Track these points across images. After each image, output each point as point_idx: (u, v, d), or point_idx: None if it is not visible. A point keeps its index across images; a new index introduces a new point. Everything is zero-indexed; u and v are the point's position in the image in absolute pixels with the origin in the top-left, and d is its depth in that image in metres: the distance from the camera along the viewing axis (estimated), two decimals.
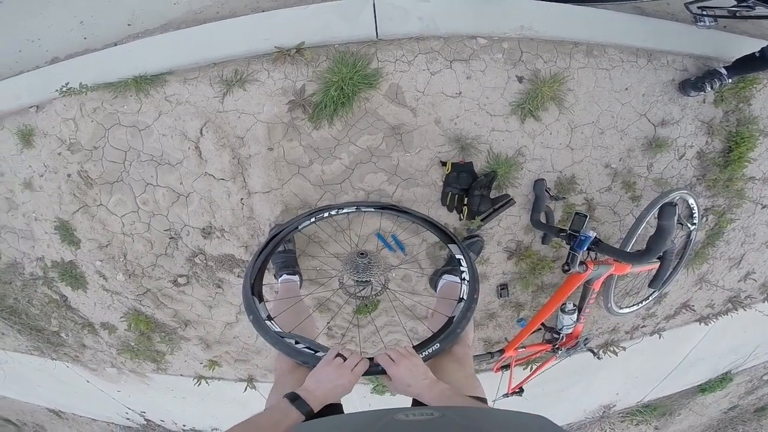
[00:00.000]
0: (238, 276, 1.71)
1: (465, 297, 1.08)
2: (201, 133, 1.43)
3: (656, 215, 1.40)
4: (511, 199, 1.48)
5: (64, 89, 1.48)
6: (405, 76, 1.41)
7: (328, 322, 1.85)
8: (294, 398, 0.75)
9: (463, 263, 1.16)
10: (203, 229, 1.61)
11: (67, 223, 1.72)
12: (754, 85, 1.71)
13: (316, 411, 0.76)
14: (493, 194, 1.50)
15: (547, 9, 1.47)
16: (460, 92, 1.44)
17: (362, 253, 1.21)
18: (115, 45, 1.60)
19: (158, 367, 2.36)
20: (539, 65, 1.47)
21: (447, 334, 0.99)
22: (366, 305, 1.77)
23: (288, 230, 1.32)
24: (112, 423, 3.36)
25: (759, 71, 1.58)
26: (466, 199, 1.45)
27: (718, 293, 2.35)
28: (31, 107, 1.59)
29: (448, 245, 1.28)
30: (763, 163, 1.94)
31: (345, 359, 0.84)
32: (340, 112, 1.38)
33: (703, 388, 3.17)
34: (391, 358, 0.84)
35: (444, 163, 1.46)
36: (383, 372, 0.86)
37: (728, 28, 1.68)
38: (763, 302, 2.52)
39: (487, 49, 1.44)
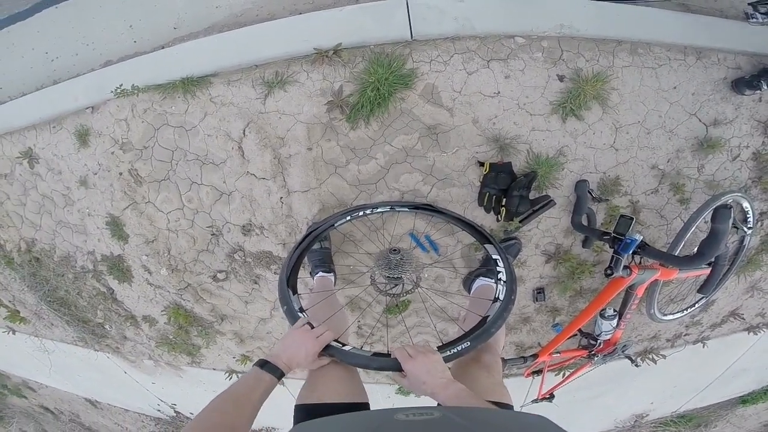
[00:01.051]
0: (274, 273, 1.76)
1: (501, 297, 1.05)
2: (244, 133, 1.49)
3: (708, 218, 1.34)
4: (552, 200, 1.44)
5: (118, 90, 1.58)
6: (441, 76, 1.40)
7: (358, 320, 1.86)
8: (263, 364, 0.80)
9: (500, 264, 1.13)
10: (243, 226, 1.66)
11: (117, 219, 1.84)
12: None
13: (286, 373, 0.82)
14: (532, 195, 1.46)
15: (586, 7, 1.42)
16: (499, 92, 1.41)
17: (395, 250, 1.21)
18: (163, 48, 1.69)
19: (193, 360, 2.47)
20: (581, 64, 1.42)
21: (479, 333, 0.95)
22: (396, 304, 1.77)
23: (324, 227, 1.34)
24: (144, 414, 3.53)
25: None
26: (504, 200, 1.42)
27: None
28: (87, 108, 1.71)
29: (484, 245, 1.25)
30: None
31: (312, 327, 0.87)
32: (376, 112, 1.39)
33: (745, 400, 2.98)
34: (408, 353, 0.83)
35: (482, 164, 1.44)
36: (399, 368, 0.84)
37: None
38: None
39: (525, 48, 1.41)
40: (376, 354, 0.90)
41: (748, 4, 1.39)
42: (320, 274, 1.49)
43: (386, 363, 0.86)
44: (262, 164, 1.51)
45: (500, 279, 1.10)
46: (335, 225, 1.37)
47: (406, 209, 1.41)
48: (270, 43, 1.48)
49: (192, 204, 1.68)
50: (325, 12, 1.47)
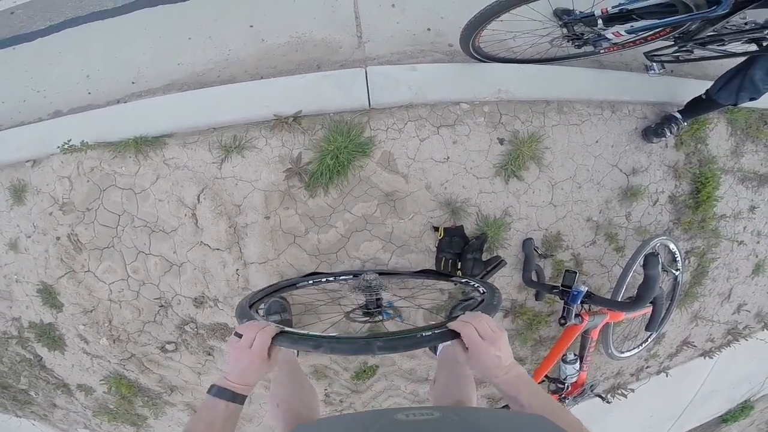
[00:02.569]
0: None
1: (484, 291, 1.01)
2: (198, 199, 1.43)
3: (641, 264, 1.50)
4: (503, 260, 1.52)
5: (66, 146, 1.46)
6: (396, 144, 1.47)
7: (326, 389, 1.78)
8: (211, 389, 0.71)
9: (472, 281, 1.14)
10: (195, 298, 1.56)
11: (50, 287, 1.66)
12: (707, 126, 1.85)
13: (245, 393, 0.71)
14: (485, 256, 1.53)
15: (518, 70, 1.59)
16: (448, 157, 1.50)
17: (368, 272, 1.20)
18: (118, 102, 1.62)
19: (138, 430, 2.24)
20: (517, 126, 1.56)
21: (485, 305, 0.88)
22: (364, 370, 1.71)
23: (284, 285, 1.30)
24: None
25: (708, 112, 1.71)
26: (459, 263, 1.47)
27: (715, 327, 2.41)
28: (28, 161, 1.57)
29: (452, 279, 1.28)
30: (730, 200, 2.06)
31: (240, 337, 0.72)
32: (335, 180, 1.41)
33: (725, 419, 3.16)
34: (480, 335, 0.68)
35: (436, 228, 1.49)
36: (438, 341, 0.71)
37: (674, 72, 1.84)
38: (763, 330, 2.58)
39: (470, 114, 1.53)
40: (370, 337, 0.74)
41: (645, 53, 1.60)
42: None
43: (433, 338, 0.72)
44: (217, 233, 1.46)
45: (478, 288, 1.07)
46: (297, 285, 1.35)
47: (374, 276, 1.37)
48: (230, 107, 1.47)
49: (138, 275, 1.56)
50: (287, 78, 1.51)
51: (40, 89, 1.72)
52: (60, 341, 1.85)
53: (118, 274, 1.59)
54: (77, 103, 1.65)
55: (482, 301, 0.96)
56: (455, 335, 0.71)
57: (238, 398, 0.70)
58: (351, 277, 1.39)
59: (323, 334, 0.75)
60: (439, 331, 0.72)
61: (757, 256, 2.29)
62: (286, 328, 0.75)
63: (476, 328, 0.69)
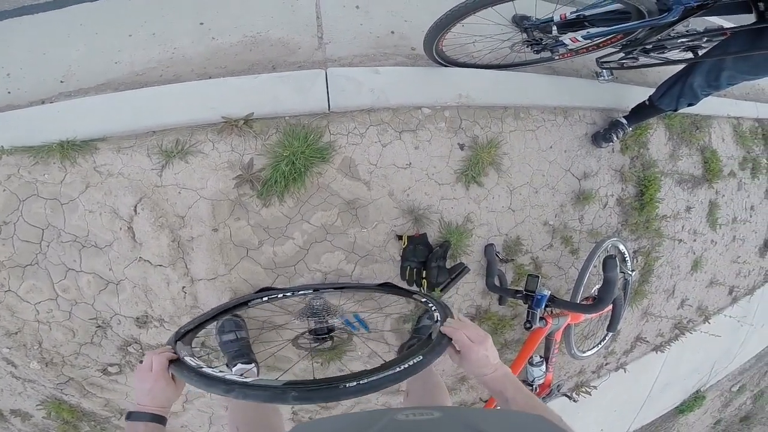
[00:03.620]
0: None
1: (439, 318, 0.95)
2: (135, 210, 1.27)
3: (599, 267, 1.52)
4: (466, 267, 1.49)
5: None
6: (358, 149, 1.38)
7: (292, 408, 1.64)
8: (129, 415, 0.73)
9: (430, 302, 1.08)
10: (138, 318, 1.39)
11: None
12: (648, 131, 1.94)
13: (160, 413, 0.73)
14: (448, 264, 1.49)
15: (478, 75, 1.57)
16: (410, 163, 1.45)
17: (316, 298, 1.11)
18: (43, 102, 1.40)
19: None
20: (477, 131, 1.54)
21: (432, 346, 0.82)
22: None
23: (236, 302, 1.18)
24: None
25: (651, 117, 1.79)
26: (424, 271, 1.43)
27: (663, 323, 2.53)
28: None
29: (413, 297, 1.20)
30: (670, 201, 2.17)
31: (141, 363, 0.77)
32: (291, 187, 1.30)
33: (681, 410, 3.32)
34: (470, 339, 0.75)
35: (400, 237, 1.43)
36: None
37: (619, 79, 1.89)
38: (704, 323, 2.75)
39: (431, 119, 1.48)
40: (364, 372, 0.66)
41: (596, 59, 1.62)
42: (240, 366, 1.29)
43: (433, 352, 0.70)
44: (158, 248, 1.29)
45: (432, 308, 1.02)
46: (249, 303, 1.22)
47: (331, 289, 1.31)
48: (172, 108, 1.31)
49: (68, 294, 1.36)
50: (238, 79, 1.37)
51: None
52: None
53: (44, 293, 1.37)
54: None
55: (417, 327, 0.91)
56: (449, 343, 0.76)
57: (156, 418, 0.72)
58: (311, 291, 1.28)
59: (229, 377, 0.67)
60: (440, 344, 0.73)
61: (694, 253, 2.45)
62: (185, 358, 0.74)
63: (466, 333, 0.76)
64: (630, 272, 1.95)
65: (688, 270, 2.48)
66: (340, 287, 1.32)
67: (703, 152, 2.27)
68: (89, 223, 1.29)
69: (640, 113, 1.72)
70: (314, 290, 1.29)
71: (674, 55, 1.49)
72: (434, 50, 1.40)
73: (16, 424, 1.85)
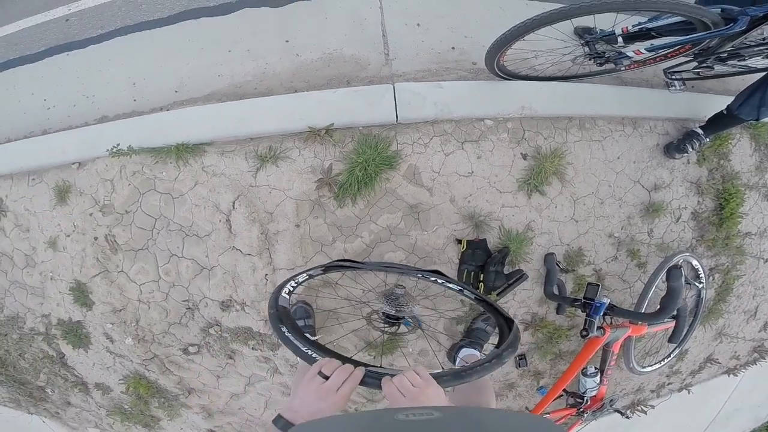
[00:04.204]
0: (252, 348, 1.77)
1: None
2: (233, 206, 1.57)
3: (664, 278, 1.60)
4: (525, 274, 1.62)
5: (114, 150, 1.61)
6: (422, 158, 1.59)
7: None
8: (278, 421, 0.71)
9: (482, 303, 1.19)
10: (223, 302, 1.68)
11: (83, 286, 1.80)
12: (729, 141, 1.93)
13: None
14: (506, 270, 1.63)
15: (541, 89, 1.71)
16: (472, 171, 1.63)
17: (400, 285, 1.27)
18: (161, 110, 1.79)
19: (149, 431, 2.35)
20: (540, 142, 1.67)
21: (485, 362, 0.92)
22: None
23: (328, 265, 1.37)
24: None
25: (730, 127, 1.79)
26: (481, 275, 1.58)
27: (740, 345, 2.46)
28: (74, 164, 1.73)
29: (464, 292, 1.29)
30: (755, 216, 2.12)
31: (327, 378, 0.73)
32: (363, 191, 1.54)
33: None
34: (401, 393, 0.72)
35: (459, 241, 1.60)
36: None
37: (696, 88, 1.91)
38: None
39: (493, 130, 1.65)
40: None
41: (663, 71, 1.69)
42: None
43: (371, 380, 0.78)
44: (249, 239, 1.58)
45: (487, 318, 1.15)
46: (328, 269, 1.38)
47: (420, 275, 1.42)
48: (267, 118, 1.61)
49: (169, 277, 1.69)
50: (320, 93, 1.66)
51: (89, 95, 1.92)
52: (85, 339, 1.99)
53: (150, 275, 1.73)
54: (123, 109, 1.83)
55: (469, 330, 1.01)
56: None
57: None
58: (382, 269, 1.45)
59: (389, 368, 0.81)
60: (376, 378, 0.78)
61: None
62: (371, 368, 0.79)
63: (397, 386, 0.73)
64: (699, 285, 1.95)
65: None
66: (385, 266, 1.46)
67: None
68: (194, 215, 1.63)
69: (718, 123, 1.74)
70: (377, 267, 1.46)
71: (756, 62, 1.49)
72: (496, 65, 1.58)
73: (96, 397, 2.25)
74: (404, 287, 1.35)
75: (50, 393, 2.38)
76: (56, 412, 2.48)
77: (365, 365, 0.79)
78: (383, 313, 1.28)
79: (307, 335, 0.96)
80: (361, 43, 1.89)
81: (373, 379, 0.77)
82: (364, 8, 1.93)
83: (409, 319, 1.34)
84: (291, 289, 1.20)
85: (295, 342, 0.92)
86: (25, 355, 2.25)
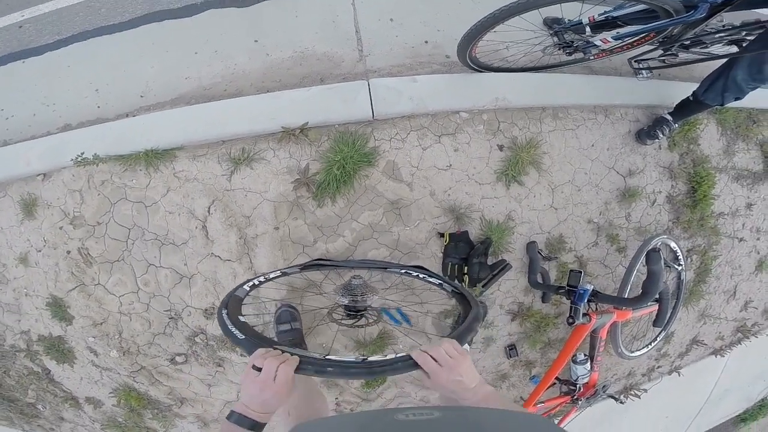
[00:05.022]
0: (241, 355, 1.75)
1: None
2: (209, 211, 1.54)
3: (644, 262, 1.63)
4: (508, 263, 1.64)
5: (79, 159, 1.54)
6: (400, 153, 1.59)
7: (336, 397, 1.85)
8: (231, 415, 0.71)
9: (463, 292, 1.15)
10: (206, 309, 1.66)
11: (60, 300, 1.75)
12: (697, 126, 1.99)
13: (264, 420, 0.72)
14: (490, 260, 1.64)
15: (514, 79, 1.72)
16: (450, 164, 1.63)
17: (356, 276, 1.26)
18: (127, 116, 1.72)
19: None
20: (516, 132, 1.69)
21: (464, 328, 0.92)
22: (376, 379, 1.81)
23: (305, 265, 1.37)
24: None
25: (697, 113, 1.85)
26: (465, 267, 1.59)
27: (724, 325, 2.54)
28: (39, 175, 1.65)
29: (444, 285, 1.25)
30: (727, 197, 2.20)
31: (260, 370, 0.72)
32: (342, 189, 1.53)
33: (744, 418, 3.26)
34: (438, 363, 0.74)
35: (442, 235, 1.61)
36: (411, 369, 0.76)
37: (662, 75, 1.97)
38: None
39: (469, 122, 1.66)
40: (366, 360, 0.77)
41: (629, 60, 1.71)
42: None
43: (403, 366, 0.77)
44: (228, 245, 1.56)
45: (468, 303, 1.09)
46: (303, 268, 1.40)
47: (374, 268, 1.47)
48: (238, 119, 1.57)
49: (148, 287, 1.66)
50: (293, 91, 1.63)
51: (50, 103, 1.84)
52: (69, 354, 1.93)
53: (128, 286, 1.68)
54: (87, 116, 1.77)
55: (457, 322, 0.97)
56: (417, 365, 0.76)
57: (257, 426, 0.71)
58: (355, 265, 1.45)
59: (335, 358, 0.78)
60: (402, 362, 0.77)
61: (758, 253, 2.43)
62: (308, 354, 0.77)
63: (433, 356, 0.75)
64: (678, 267, 2.00)
65: (752, 270, 2.46)
66: (369, 266, 1.48)
67: (762, 147, 2.27)
68: (169, 223, 1.59)
69: (685, 109, 1.79)
70: (359, 265, 1.46)
71: (717, 49, 1.55)
72: (468, 58, 1.59)
73: (89, 411, 2.19)
74: (361, 278, 1.34)
75: (41, 409, 2.31)
76: (51, 429, 2.41)
77: (302, 355, 0.77)
78: (344, 306, 1.26)
79: (254, 329, 0.89)
80: (333, 40, 1.87)
81: (312, 366, 0.76)
82: (336, 5, 1.91)
83: (396, 317, 1.33)
84: (257, 283, 1.18)
85: (232, 330, 0.88)
86: (10, 372, 2.17)
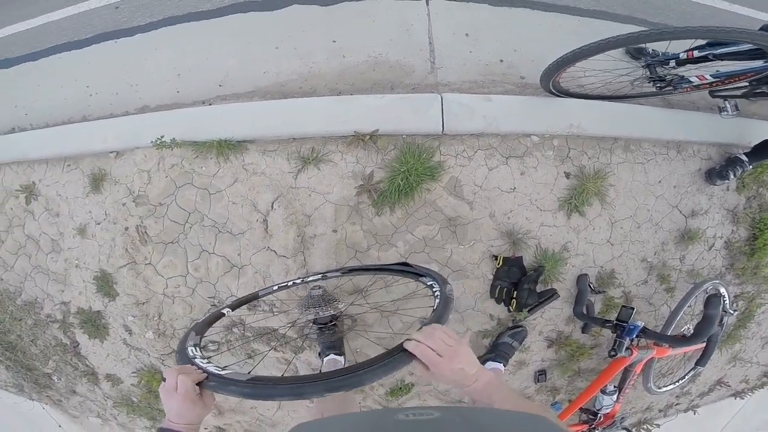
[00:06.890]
0: (275, 349, 1.76)
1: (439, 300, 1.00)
2: (272, 206, 1.56)
3: (694, 307, 1.63)
4: (556, 293, 1.63)
5: (158, 141, 1.57)
6: (464, 170, 1.58)
7: (360, 403, 1.86)
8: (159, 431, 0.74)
9: (435, 284, 1.11)
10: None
11: (109, 276, 1.79)
12: None
13: (186, 431, 0.74)
14: (539, 288, 1.63)
15: (590, 106, 1.69)
16: (515, 187, 1.61)
17: (315, 287, 1.24)
18: (203, 103, 1.75)
19: (154, 425, 2.34)
20: (584, 161, 1.66)
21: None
22: (400, 387, 1.80)
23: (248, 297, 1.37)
24: None
25: None
26: (514, 292, 1.59)
27: (752, 369, 2.50)
28: (112, 152, 1.71)
29: (420, 279, 1.22)
30: None
31: (165, 381, 0.75)
32: (402, 200, 1.52)
33: None
34: (437, 354, 0.70)
35: (496, 257, 1.60)
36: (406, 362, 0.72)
37: (742, 112, 1.82)
38: None
39: (539, 147, 1.64)
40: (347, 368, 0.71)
41: (710, 92, 1.59)
42: (331, 356, 1.54)
43: (396, 362, 0.71)
44: (285, 241, 1.57)
45: (435, 293, 1.06)
46: (260, 295, 1.40)
47: (339, 274, 1.46)
48: (312, 119, 1.58)
49: (198, 273, 1.68)
50: (367, 97, 1.62)
51: (133, 84, 1.88)
52: (103, 330, 1.98)
53: (178, 269, 1.71)
54: (164, 100, 1.80)
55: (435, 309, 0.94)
56: (413, 356, 0.71)
57: None
58: (319, 277, 1.44)
59: (254, 376, 0.75)
60: (395, 356, 0.71)
61: None
62: (214, 371, 0.77)
63: (431, 347, 0.70)
64: (732, 312, 1.96)
65: None
66: (348, 271, 1.45)
67: None
68: (230, 212, 1.61)
69: (763, 150, 1.72)
70: (322, 276, 1.43)
71: None
72: (551, 83, 1.57)
73: (105, 388, 2.24)
74: (320, 287, 1.32)
75: (56, 380, 2.37)
76: (59, 400, 2.47)
77: (212, 373, 0.77)
78: (311, 322, 1.22)
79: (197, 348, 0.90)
80: (407, 49, 1.86)
81: (215, 382, 0.76)
82: (411, 14, 1.90)
83: (343, 313, 1.26)
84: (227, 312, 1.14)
85: (181, 343, 0.91)
86: (37, 342, 2.24)
